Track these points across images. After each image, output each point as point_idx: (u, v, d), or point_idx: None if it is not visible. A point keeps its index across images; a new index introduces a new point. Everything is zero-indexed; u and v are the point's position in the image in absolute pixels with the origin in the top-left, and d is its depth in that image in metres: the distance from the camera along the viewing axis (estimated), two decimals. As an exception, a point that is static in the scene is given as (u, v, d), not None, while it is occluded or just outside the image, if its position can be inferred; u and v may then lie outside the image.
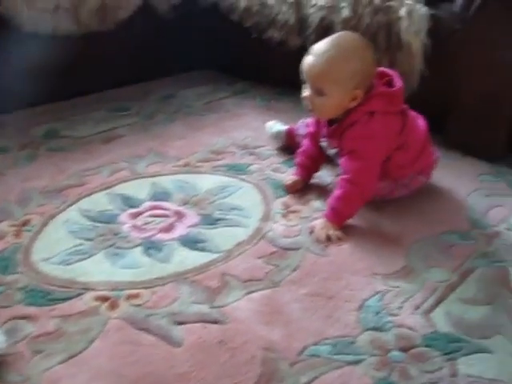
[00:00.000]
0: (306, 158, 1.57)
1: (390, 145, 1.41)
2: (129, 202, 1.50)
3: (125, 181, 1.62)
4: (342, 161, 1.40)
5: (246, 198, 1.53)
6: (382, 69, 1.43)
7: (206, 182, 1.61)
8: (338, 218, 1.36)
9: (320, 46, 1.34)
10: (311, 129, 1.55)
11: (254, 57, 2.31)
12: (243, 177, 1.65)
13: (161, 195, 1.54)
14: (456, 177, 1.67)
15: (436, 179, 1.61)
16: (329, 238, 1.32)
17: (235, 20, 2.21)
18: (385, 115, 1.37)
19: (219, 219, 1.42)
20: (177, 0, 2.27)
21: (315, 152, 1.55)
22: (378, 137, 1.36)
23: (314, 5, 1.94)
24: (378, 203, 1.47)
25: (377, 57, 1.78)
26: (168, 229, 1.38)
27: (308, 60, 1.34)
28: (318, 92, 1.33)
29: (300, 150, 1.59)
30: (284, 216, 1.44)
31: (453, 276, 1.22)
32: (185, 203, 1.50)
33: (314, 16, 1.94)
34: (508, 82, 1.70)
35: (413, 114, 1.48)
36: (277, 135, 1.79)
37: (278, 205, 1.50)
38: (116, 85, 2.32)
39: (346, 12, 1.85)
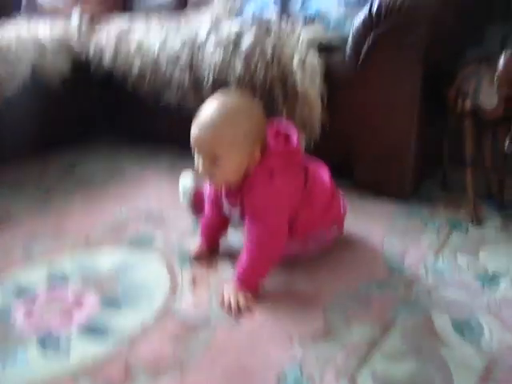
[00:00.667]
0: (207, 228, 1.50)
1: (293, 203, 1.34)
2: (22, 291, 1.35)
3: (18, 267, 1.46)
4: (245, 224, 1.32)
5: (151, 272, 1.42)
6: (276, 126, 1.35)
7: (108, 259, 1.49)
8: (247, 284, 1.28)
9: (203, 115, 1.25)
10: (211, 195, 1.47)
11: (152, 122, 2.25)
12: (147, 249, 1.54)
13: (58, 280, 1.39)
14: (369, 220, 1.65)
15: (349, 225, 1.57)
16: (239, 308, 1.23)
17: (130, 88, 2.14)
18: (285, 173, 1.30)
19: (122, 301, 1.29)
20: (68, 73, 2.16)
21: (217, 220, 1.48)
22: (279, 197, 1.29)
23: (208, 64, 1.90)
24: (291, 262, 1.41)
25: (275, 110, 1.79)
26: (65, 318, 1.23)
27: (194, 131, 1.24)
28: (213, 161, 1.24)
29: (203, 217, 1.52)
30: (192, 288, 1.34)
31: (375, 331, 1.15)
32: (84, 286, 1.36)
33: (209, 76, 1.90)
34: (406, 119, 1.72)
35: (314, 167, 1.44)
36: (185, 192, 1.72)
37: (185, 276, 1.40)
38: (11, 160, 2.18)
39: (239, 69, 1.82)
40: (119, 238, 1.61)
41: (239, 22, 1.97)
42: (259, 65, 1.79)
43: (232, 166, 1.25)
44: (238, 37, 1.86)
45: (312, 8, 2.05)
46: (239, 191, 1.32)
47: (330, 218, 1.45)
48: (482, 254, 1.48)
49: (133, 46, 2.09)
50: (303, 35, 1.77)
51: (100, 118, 2.35)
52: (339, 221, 1.50)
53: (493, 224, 1.67)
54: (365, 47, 1.68)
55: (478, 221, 1.68)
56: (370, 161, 1.81)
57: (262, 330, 1.16)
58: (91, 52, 2.20)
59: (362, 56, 1.69)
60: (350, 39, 1.72)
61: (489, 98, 1.58)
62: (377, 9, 1.62)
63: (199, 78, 1.94)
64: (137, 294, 1.32)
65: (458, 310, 1.22)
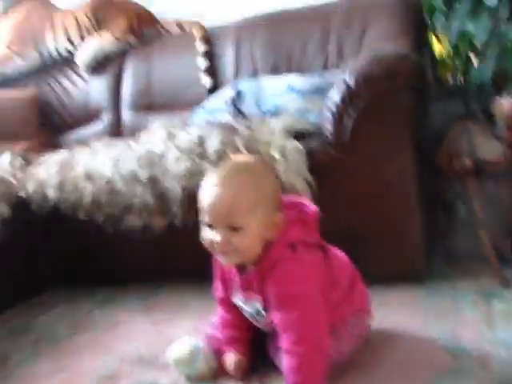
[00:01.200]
0: (232, 330, 1.26)
1: (322, 280, 1.16)
2: None
3: None
4: (273, 318, 1.12)
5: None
6: (288, 199, 1.21)
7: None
8: None
9: (220, 175, 1.11)
10: (220, 293, 1.27)
11: (111, 254, 1.95)
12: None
13: None
14: (395, 311, 1.47)
15: (376, 322, 1.35)
16: None
17: (82, 218, 1.86)
18: (307, 247, 1.14)
19: None
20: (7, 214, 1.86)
21: (237, 320, 1.25)
22: (309, 272, 1.12)
23: (172, 176, 1.70)
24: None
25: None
26: None
27: (208, 199, 1.09)
28: (232, 229, 1.07)
29: (218, 322, 1.29)
30: None
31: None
32: None
33: (176, 187, 1.69)
34: (405, 194, 1.59)
35: (331, 246, 1.26)
36: (194, 357, 1.26)
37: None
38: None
39: (211, 172, 1.63)
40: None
41: (197, 128, 1.81)
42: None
43: (252, 236, 1.09)
44: (202, 141, 1.70)
45: (268, 104, 1.96)
46: (258, 273, 1.13)
47: (357, 302, 1.26)
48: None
49: (81, 172, 1.84)
50: (276, 125, 1.63)
51: (48, 264, 2.03)
52: (366, 306, 1.29)
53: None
54: (347, 125, 1.57)
55: (508, 283, 1.53)
56: (376, 248, 1.63)
57: None
58: (30, 188, 1.92)
59: (345, 136, 1.58)
60: (326, 123, 1.61)
61: (490, 150, 1.51)
62: (355, 81, 1.53)
63: (165, 193, 1.72)
64: None
65: None
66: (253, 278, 1.14)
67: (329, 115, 1.59)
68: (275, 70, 2.28)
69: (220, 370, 1.26)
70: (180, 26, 2.58)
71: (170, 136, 1.80)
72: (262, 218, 1.08)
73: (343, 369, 1.18)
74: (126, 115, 2.54)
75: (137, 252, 1.91)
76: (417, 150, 1.63)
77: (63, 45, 2.64)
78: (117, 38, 2.56)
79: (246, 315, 1.22)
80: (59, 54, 2.67)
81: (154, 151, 1.77)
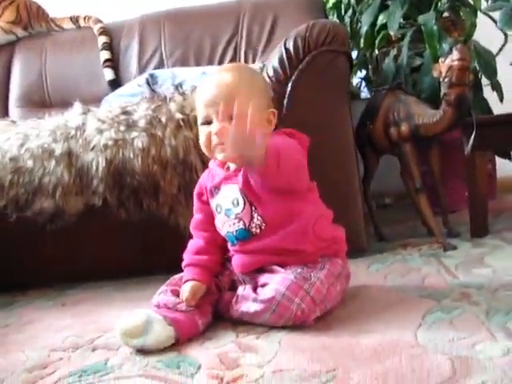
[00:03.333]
0: (201, 255, 1.20)
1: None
2: None
3: None
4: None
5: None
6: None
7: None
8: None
9: (216, 73, 1.17)
10: (199, 213, 1.25)
11: (9, 251, 1.66)
12: (112, 375, 1.00)
13: None
14: (356, 278, 1.37)
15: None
16: None
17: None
18: None
19: None
20: None
21: (209, 245, 1.21)
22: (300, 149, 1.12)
23: (94, 147, 1.50)
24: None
25: (193, 180, 1.47)
26: None
27: (208, 86, 1.13)
28: (231, 117, 1.01)
29: (187, 250, 1.22)
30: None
31: None
32: None
33: (98, 161, 1.50)
34: (347, 164, 1.55)
35: None
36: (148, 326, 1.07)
37: (203, 381, 0.90)
38: None
39: (140, 143, 1.47)
40: (54, 378, 1.02)
41: (118, 104, 1.64)
42: (167, 131, 1.47)
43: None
44: (128, 112, 1.53)
45: (186, 86, 1.84)
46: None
47: (342, 243, 1.22)
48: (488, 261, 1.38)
49: (-22, 152, 1.57)
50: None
51: None
52: (343, 253, 1.23)
53: (465, 245, 1.55)
54: (285, 90, 1.51)
55: (451, 246, 1.53)
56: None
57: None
58: None
59: (283, 103, 1.51)
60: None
61: (427, 114, 1.53)
62: (293, 44, 1.49)
63: (83, 168, 1.51)
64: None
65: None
66: (240, 167, 1.11)
67: (270, 75, 1.51)
68: (184, 63, 2.19)
69: (180, 337, 1.08)
70: (75, 20, 2.41)
71: (87, 111, 1.61)
72: (259, 108, 1.05)
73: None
74: (15, 112, 2.26)
75: (41, 246, 1.64)
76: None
77: None
78: (3, 29, 2.31)
79: (220, 218, 1.17)
80: None
81: (69, 124, 1.56)
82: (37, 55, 2.33)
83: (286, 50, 1.50)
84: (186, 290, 1.12)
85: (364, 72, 2.56)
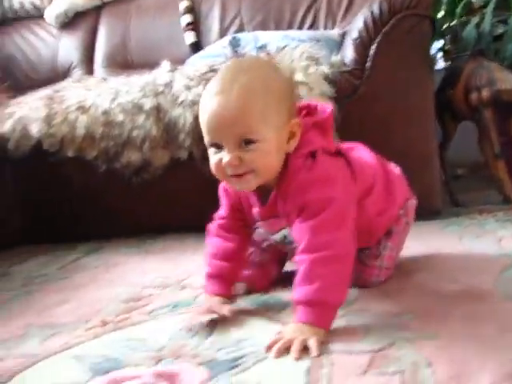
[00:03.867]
0: (224, 261, 1.06)
1: (351, 189, 0.98)
2: None
3: (21, 371, 0.89)
4: (295, 230, 0.94)
5: (241, 324, 0.97)
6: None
7: (159, 329, 1.00)
8: (324, 313, 0.86)
9: (221, 81, 0.91)
10: (223, 218, 1.10)
11: (98, 202, 1.78)
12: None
13: (106, 366, 0.86)
14: (431, 240, 1.40)
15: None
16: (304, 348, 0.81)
17: (69, 156, 1.68)
18: (328, 154, 0.97)
19: (236, 359, 0.82)
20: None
21: (235, 248, 1.07)
22: (333, 176, 0.94)
23: (182, 102, 1.57)
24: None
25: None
26: None
27: (213, 104, 0.88)
28: (244, 144, 0.88)
29: (210, 253, 1.09)
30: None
31: None
32: (158, 360, 0.86)
33: (185, 116, 1.57)
34: (426, 127, 1.56)
35: (348, 146, 1.08)
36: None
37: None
38: None
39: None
40: (148, 309, 1.12)
41: (205, 62, 1.70)
42: (252, 90, 1.52)
43: (269, 147, 0.89)
44: (214, 68, 1.59)
45: (269, 47, 1.88)
46: (280, 195, 0.96)
47: (399, 198, 1.11)
48: None
49: (73, 104, 1.67)
50: (295, 52, 1.56)
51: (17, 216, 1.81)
52: (408, 192, 1.15)
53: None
54: (369, 52, 1.53)
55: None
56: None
57: None
58: (7, 125, 1.71)
59: (367, 64, 1.54)
60: (348, 50, 1.56)
61: (510, 80, 1.52)
62: (379, 7, 1.51)
63: (171, 123, 1.59)
64: (245, 348, 0.86)
65: None
66: (274, 200, 0.97)
67: (350, 41, 1.54)
68: (264, 28, 2.22)
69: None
70: (159, -15, 2.48)
71: (174, 69, 1.69)
72: (277, 125, 0.89)
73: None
74: (100, 72, 2.36)
75: (127, 198, 1.75)
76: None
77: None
78: (90, -5, 2.43)
79: (272, 242, 1.09)
80: (23, 7, 2.48)
81: (157, 81, 1.64)
82: (121, 19, 2.43)
83: (372, 12, 1.52)
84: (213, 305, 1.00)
85: (441, 42, 2.53)
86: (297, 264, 0.90)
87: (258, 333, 0.91)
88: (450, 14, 2.09)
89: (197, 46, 2.24)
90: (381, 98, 1.51)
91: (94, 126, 1.64)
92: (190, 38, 2.27)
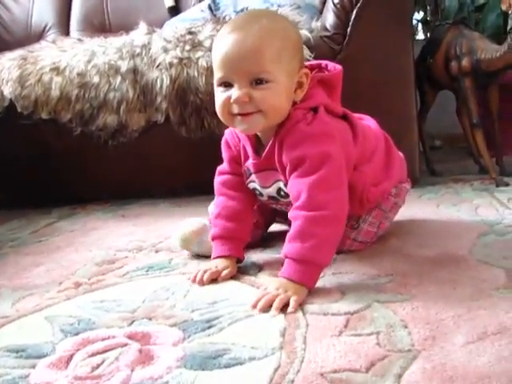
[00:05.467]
0: (232, 222, 1.04)
1: (350, 152, 0.98)
2: (29, 353, 0.76)
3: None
4: (289, 184, 0.94)
5: (215, 287, 0.96)
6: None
7: (133, 291, 0.98)
8: (311, 272, 0.87)
9: (238, 21, 0.94)
10: (229, 169, 1.08)
11: (73, 165, 1.75)
12: (177, 271, 1.07)
13: (78, 327, 0.84)
14: (409, 206, 1.39)
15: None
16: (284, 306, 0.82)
17: (44, 118, 1.64)
18: (330, 113, 0.98)
19: (211, 320, 0.81)
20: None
21: (242, 207, 1.06)
22: (330, 133, 0.93)
23: (159, 65, 1.54)
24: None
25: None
26: (145, 360, 0.72)
27: (228, 40, 0.89)
28: (255, 82, 0.88)
29: (216, 213, 1.07)
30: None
31: None
32: (131, 322, 0.85)
33: (162, 79, 1.54)
34: (405, 93, 1.56)
35: (357, 115, 1.09)
36: (202, 233, 1.11)
37: (267, 278, 0.97)
38: None
39: (205, 60, 1.51)
40: (123, 271, 1.10)
41: (184, 25, 1.66)
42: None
43: (280, 89, 0.90)
44: (193, 33, 1.56)
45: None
46: (277, 145, 0.95)
47: (396, 174, 1.12)
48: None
49: (47, 65, 1.62)
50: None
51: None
52: (405, 174, 1.18)
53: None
54: (349, 17, 1.51)
55: (503, 183, 1.54)
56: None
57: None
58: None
59: (347, 29, 1.52)
60: (328, 15, 1.54)
61: (490, 49, 1.52)
62: (360, -30, 1.48)
63: (148, 85, 1.56)
64: (223, 308, 0.85)
65: None
66: (271, 151, 0.96)
67: (331, 6, 1.52)
68: (245, -5, 2.17)
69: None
70: None
71: (152, 31, 1.64)
72: (289, 70, 0.90)
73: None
74: (75, 35, 2.28)
75: (102, 161, 1.72)
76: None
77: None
78: (65, -49, 2.34)
79: (262, 199, 1.08)
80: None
81: (135, 43, 1.60)
82: (99, -22, 2.35)
83: (352, -24, 1.49)
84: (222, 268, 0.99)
85: (421, 14, 2.52)
86: (291, 219, 0.91)
87: (233, 294, 0.90)
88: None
89: (175, 10, 2.19)
90: (361, 64, 1.49)
91: (69, 87, 1.60)
92: (168, 1, 2.22)
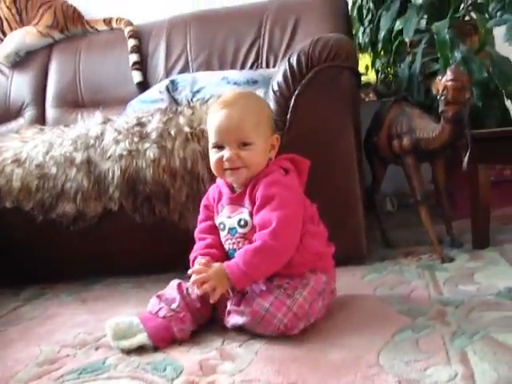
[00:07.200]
0: (209, 248, 1.30)
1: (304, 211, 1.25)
2: None
3: None
4: (257, 217, 1.20)
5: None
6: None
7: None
8: (243, 276, 1.15)
9: (226, 101, 1.23)
10: (204, 219, 1.35)
11: (39, 248, 1.82)
12: (106, 374, 1.12)
13: None
14: (346, 285, 1.45)
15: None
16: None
17: (7, 207, 1.73)
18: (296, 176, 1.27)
19: None
20: None
21: (215, 242, 1.31)
22: (296, 190, 1.23)
23: (110, 156, 1.62)
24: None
25: (200, 190, 1.56)
26: None
27: (220, 115, 1.21)
28: (241, 145, 1.20)
29: (196, 249, 1.32)
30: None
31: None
32: None
33: (114, 170, 1.62)
34: (349, 173, 1.60)
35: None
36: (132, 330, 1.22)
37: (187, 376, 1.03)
38: None
39: (152, 152, 1.58)
40: (57, 374, 1.15)
41: (134, 113, 1.75)
42: (177, 143, 1.57)
43: (259, 150, 1.21)
44: (141, 122, 1.64)
45: (203, 93, 1.93)
46: (251, 185, 1.23)
47: (328, 260, 1.30)
48: (477, 277, 1.43)
49: (9, 157, 1.72)
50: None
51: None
52: (329, 269, 1.30)
53: (463, 258, 1.59)
54: (289, 104, 1.57)
55: (448, 258, 1.58)
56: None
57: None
58: None
59: (287, 116, 1.58)
60: (270, 102, 1.60)
61: (428, 129, 1.56)
62: (297, 59, 1.55)
63: (101, 176, 1.63)
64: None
65: None
66: (244, 191, 1.23)
67: (271, 94, 1.58)
68: (208, 67, 2.27)
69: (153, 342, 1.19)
70: (108, 22, 2.53)
71: (107, 120, 1.73)
72: (264, 136, 1.23)
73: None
74: (51, 112, 2.42)
75: (67, 244, 1.79)
76: (356, 134, 1.66)
77: (-20, 37, 2.50)
78: (41, 33, 2.46)
79: (223, 235, 1.28)
80: (-26, 46, 2.53)
81: (89, 134, 1.68)
82: (72, 57, 2.47)
83: (290, 65, 1.56)
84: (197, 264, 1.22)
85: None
86: (256, 237, 1.17)
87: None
88: (388, 51, 2.13)
89: (143, 85, 2.28)
90: (303, 150, 1.53)
91: (29, 178, 1.68)
92: (136, 77, 2.31)
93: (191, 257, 1.30)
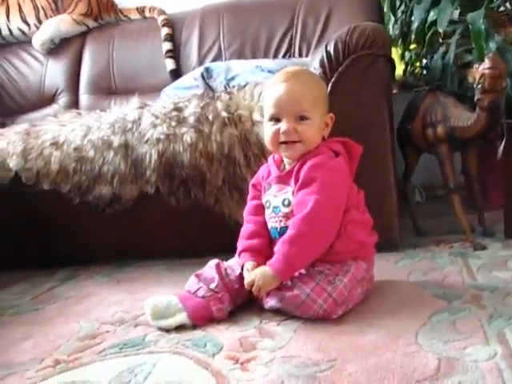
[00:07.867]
0: (255, 239, 1.29)
1: (349, 194, 1.24)
2: None
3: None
4: (297, 197, 1.20)
5: (174, 369, 1.04)
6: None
7: (103, 371, 1.07)
8: (287, 268, 1.17)
9: (286, 75, 1.24)
10: (254, 199, 1.36)
11: (75, 230, 1.86)
12: (147, 349, 1.15)
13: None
14: (379, 272, 1.44)
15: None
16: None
17: (45, 189, 1.77)
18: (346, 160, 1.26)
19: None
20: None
21: (261, 229, 1.30)
22: (343, 174, 1.23)
23: (148, 140, 1.65)
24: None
25: (237, 175, 1.58)
26: None
27: (279, 88, 1.22)
28: (299, 118, 1.21)
29: (243, 235, 1.32)
30: (242, 369, 1.00)
31: None
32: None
33: (151, 153, 1.65)
34: (383, 163, 1.61)
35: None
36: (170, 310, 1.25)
37: (222, 361, 1.04)
38: None
39: (189, 136, 1.60)
40: (99, 348, 1.19)
41: (171, 99, 1.78)
42: (214, 128, 1.60)
43: (316, 125, 1.22)
44: (179, 107, 1.67)
45: (238, 80, 1.95)
46: (299, 164, 1.22)
47: (370, 249, 1.31)
48: (511, 265, 1.43)
49: (47, 140, 1.76)
50: (255, 91, 1.63)
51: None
52: (370, 258, 1.30)
53: (495, 246, 1.59)
54: (327, 90, 1.58)
55: (481, 246, 1.58)
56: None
57: None
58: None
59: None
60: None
61: (462, 118, 1.57)
62: (334, 47, 1.56)
63: (138, 159, 1.67)
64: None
65: None
66: (292, 169, 1.23)
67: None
68: (240, 56, 2.29)
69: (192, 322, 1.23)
70: (141, 11, 2.57)
71: (144, 105, 1.76)
72: (321, 112, 1.23)
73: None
74: (84, 99, 2.46)
75: (102, 227, 1.82)
76: (390, 122, 1.67)
77: (17, 25, 2.55)
78: (75, 21, 2.50)
79: (268, 213, 1.28)
80: (11, 34, 2.58)
81: (127, 118, 1.71)
82: (105, 45, 2.51)
83: (327, 52, 1.57)
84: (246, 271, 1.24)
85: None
86: (291, 222, 1.19)
87: (187, 379, 0.98)
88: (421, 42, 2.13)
89: (176, 73, 2.31)
90: (339, 136, 1.55)
91: (67, 161, 1.72)
92: (169, 65, 2.34)
93: (238, 249, 1.31)
